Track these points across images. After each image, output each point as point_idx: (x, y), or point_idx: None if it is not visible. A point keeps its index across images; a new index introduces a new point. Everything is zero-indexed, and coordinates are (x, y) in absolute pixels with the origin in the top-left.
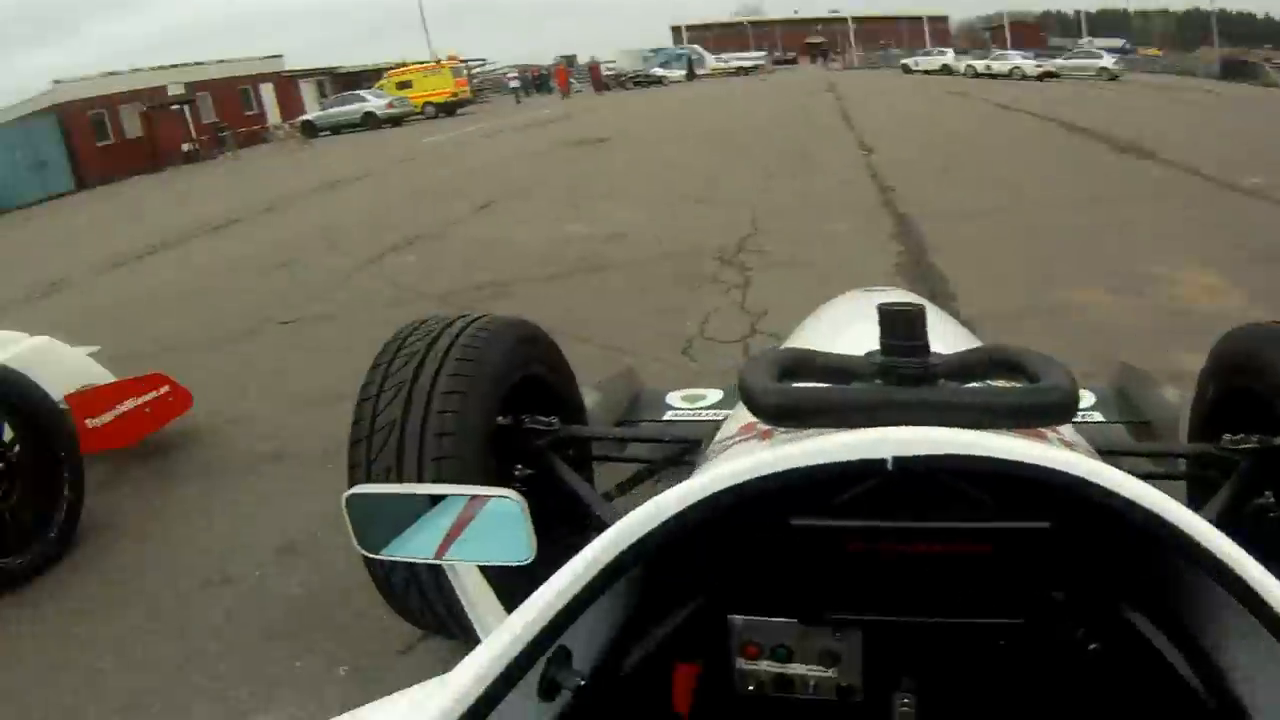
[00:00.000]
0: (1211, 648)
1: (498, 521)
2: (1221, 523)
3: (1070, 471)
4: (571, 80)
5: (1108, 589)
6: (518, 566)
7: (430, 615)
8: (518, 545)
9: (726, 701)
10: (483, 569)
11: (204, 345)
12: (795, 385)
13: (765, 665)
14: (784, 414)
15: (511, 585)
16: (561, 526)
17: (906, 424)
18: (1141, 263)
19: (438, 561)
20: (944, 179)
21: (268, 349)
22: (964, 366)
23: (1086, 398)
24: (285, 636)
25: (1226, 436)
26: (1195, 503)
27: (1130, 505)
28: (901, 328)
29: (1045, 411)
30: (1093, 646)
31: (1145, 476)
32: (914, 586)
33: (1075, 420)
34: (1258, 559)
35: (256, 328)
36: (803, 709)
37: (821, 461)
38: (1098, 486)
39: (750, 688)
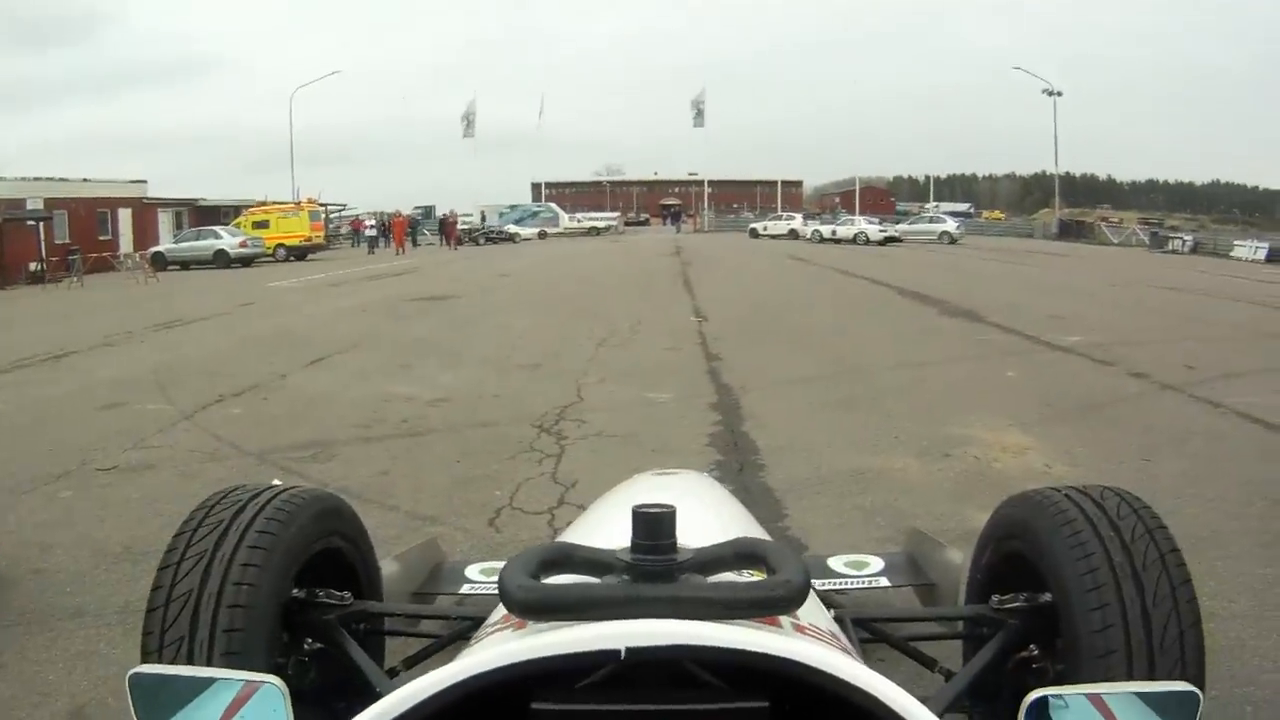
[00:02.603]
0: None
1: (267, 705)
2: (988, 673)
3: (779, 654)
4: (424, 232)
5: None
6: None
7: None
8: None
9: None
10: None
11: (11, 487)
12: (545, 583)
13: None
14: (531, 609)
15: None
16: (347, 699)
17: (642, 617)
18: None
19: None
20: (767, 347)
21: (81, 496)
22: (710, 561)
23: (875, 564)
24: None
25: (996, 597)
26: (969, 658)
27: (834, 680)
28: (650, 529)
29: (771, 603)
30: None
31: (920, 637)
32: None
33: (861, 587)
34: (1010, 700)
35: (73, 470)
36: None
37: (559, 653)
38: (804, 665)
39: None
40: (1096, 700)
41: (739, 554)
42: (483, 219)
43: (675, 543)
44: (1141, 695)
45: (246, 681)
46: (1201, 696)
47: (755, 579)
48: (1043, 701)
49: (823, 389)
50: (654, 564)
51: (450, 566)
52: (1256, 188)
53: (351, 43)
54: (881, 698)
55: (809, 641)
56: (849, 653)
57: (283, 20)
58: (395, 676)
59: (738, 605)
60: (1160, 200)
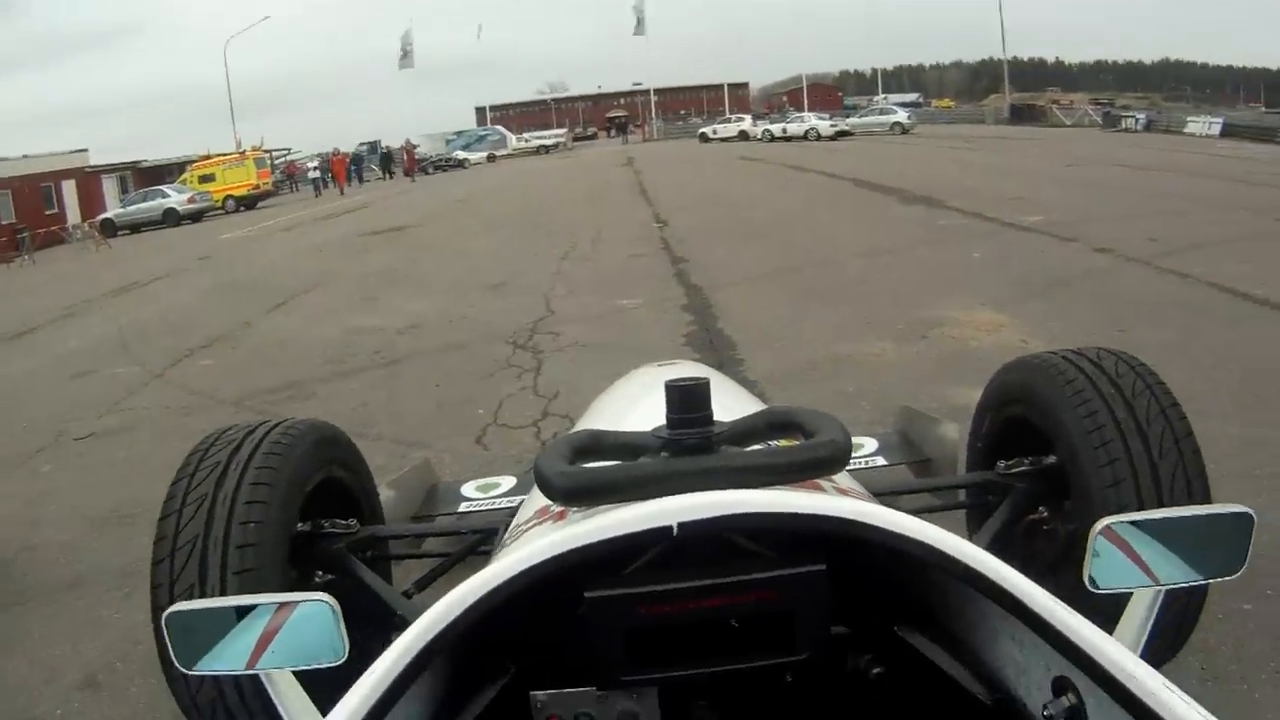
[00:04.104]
0: (982, 650)
1: (310, 625)
2: (999, 540)
3: (834, 514)
4: (371, 167)
5: (884, 615)
6: (332, 670)
7: None
8: (330, 647)
9: None
10: (300, 676)
11: None
12: (585, 466)
13: None
14: (574, 495)
15: (328, 690)
16: (366, 628)
17: (688, 491)
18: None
19: (251, 671)
20: (731, 246)
21: (62, 467)
22: (745, 432)
23: (869, 444)
24: None
25: (1001, 463)
26: (976, 526)
27: (892, 535)
28: (685, 402)
29: (816, 465)
30: (876, 670)
31: (924, 509)
32: (704, 640)
33: (857, 468)
34: (1023, 565)
35: (50, 443)
36: None
37: (611, 535)
38: (860, 523)
39: None
40: (1158, 524)
41: (772, 424)
42: (431, 148)
43: (711, 415)
44: (1199, 518)
45: (289, 603)
46: (1255, 518)
47: (795, 444)
48: (1106, 530)
49: (792, 282)
50: (692, 437)
51: (446, 487)
52: (1206, 64)
53: None
54: (944, 548)
55: (863, 501)
56: None
57: None
58: (411, 599)
59: (784, 470)
60: (1110, 80)
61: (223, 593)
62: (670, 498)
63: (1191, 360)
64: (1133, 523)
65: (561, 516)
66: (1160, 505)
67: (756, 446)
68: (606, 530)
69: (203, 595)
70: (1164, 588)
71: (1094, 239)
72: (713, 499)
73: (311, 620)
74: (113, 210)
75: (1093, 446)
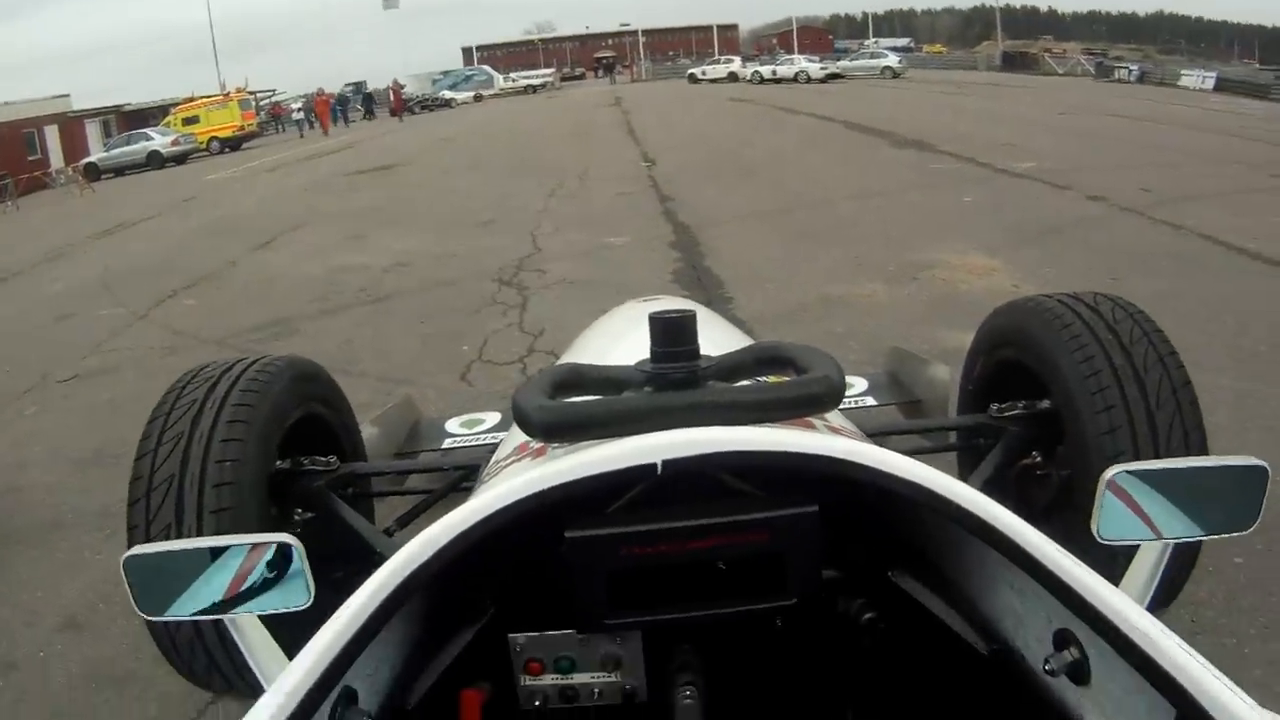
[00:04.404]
0: (979, 599)
1: (277, 568)
2: (991, 484)
3: (828, 454)
4: (357, 107)
5: (878, 559)
6: (301, 612)
7: (219, 675)
8: (296, 590)
9: None
10: (268, 619)
11: None
12: (565, 401)
13: (549, 679)
14: (553, 430)
15: (297, 632)
16: (346, 566)
17: (673, 428)
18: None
19: (217, 617)
20: (720, 186)
21: (46, 409)
22: (733, 367)
23: (859, 384)
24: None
25: (994, 405)
26: (967, 471)
27: (888, 476)
28: (670, 335)
29: (809, 402)
30: (869, 615)
31: (915, 451)
32: (690, 582)
33: (847, 407)
34: (1015, 510)
35: (35, 386)
36: (591, 716)
37: (592, 473)
38: (854, 464)
39: (536, 703)
40: (1168, 475)
41: (761, 358)
42: (417, 88)
43: (698, 349)
44: (1210, 470)
45: (255, 545)
46: (1269, 471)
47: (786, 380)
48: (1112, 482)
49: (781, 222)
50: (677, 371)
51: (429, 423)
52: (1201, 19)
53: None
54: (940, 489)
55: (858, 441)
56: None
57: None
58: (392, 536)
59: (775, 406)
60: (1103, 31)
61: (199, 533)
62: (655, 434)
63: (1185, 311)
64: (1142, 473)
65: (541, 453)
66: (1156, 454)
67: (745, 382)
68: (587, 467)
69: (180, 536)
70: (1171, 541)
71: (1087, 187)
72: (699, 435)
73: (278, 563)
74: (96, 154)
75: (1089, 392)
